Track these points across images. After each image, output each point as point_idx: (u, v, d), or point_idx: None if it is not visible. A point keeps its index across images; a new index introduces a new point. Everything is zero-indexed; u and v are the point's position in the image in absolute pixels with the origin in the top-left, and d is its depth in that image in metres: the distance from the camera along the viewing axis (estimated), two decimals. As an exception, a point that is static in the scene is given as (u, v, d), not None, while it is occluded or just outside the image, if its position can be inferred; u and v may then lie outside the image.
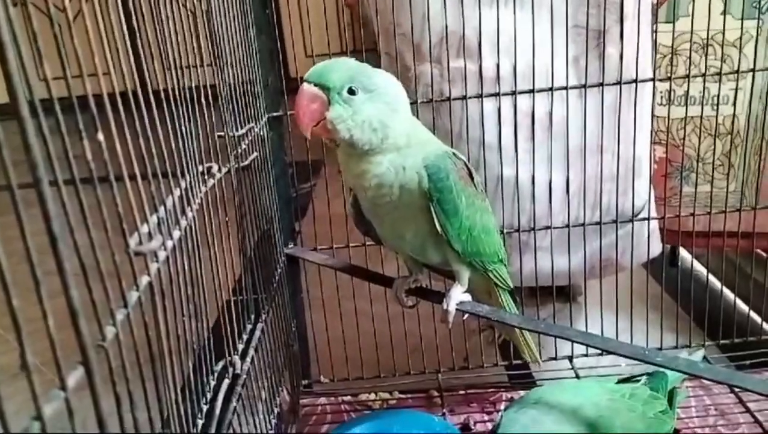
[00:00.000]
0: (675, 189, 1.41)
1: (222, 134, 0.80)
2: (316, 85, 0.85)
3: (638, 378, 1.02)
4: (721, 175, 1.40)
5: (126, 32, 0.53)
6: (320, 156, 1.12)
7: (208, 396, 0.67)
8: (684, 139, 1.31)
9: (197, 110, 0.69)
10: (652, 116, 1.25)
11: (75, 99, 0.43)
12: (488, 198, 1.07)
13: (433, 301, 1.08)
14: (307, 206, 1.85)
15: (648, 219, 1.29)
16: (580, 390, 0.97)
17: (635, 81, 1.17)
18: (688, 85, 1.22)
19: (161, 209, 0.53)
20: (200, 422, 0.63)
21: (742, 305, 1.34)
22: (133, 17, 0.56)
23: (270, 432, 0.95)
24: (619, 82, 1.18)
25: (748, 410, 1.17)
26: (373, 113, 0.86)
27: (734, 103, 1.29)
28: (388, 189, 0.91)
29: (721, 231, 1.22)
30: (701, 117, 1.32)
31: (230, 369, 0.74)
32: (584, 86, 1.17)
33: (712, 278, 1.31)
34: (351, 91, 0.85)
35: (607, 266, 1.31)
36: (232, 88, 0.89)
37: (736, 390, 1.20)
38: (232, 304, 0.80)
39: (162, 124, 0.59)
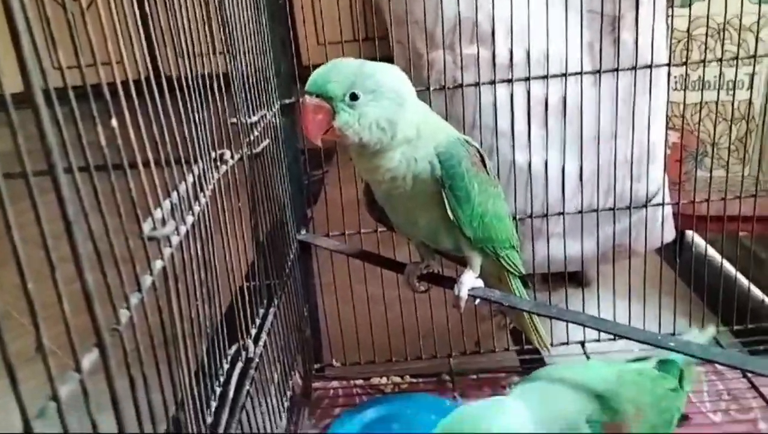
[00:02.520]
0: (689, 174, 1.40)
1: (234, 120, 0.80)
2: (317, 95, 0.85)
3: (649, 358, 1.01)
4: (736, 160, 1.39)
5: (139, 20, 0.53)
6: (332, 143, 1.13)
7: (222, 379, 0.68)
8: (699, 124, 1.30)
9: (210, 97, 0.70)
10: (667, 101, 1.24)
11: (89, 87, 0.43)
12: (501, 185, 1.07)
13: (444, 287, 1.09)
14: (319, 192, 1.86)
15: (662, 205, 1.28)
16: (588, 368, 0.97)
17: (650, 66, 1.16)
18: (704, 70, 1.21)
19: (174, 195, 0.54)
20: (214, 404, 0.64)
21: (756, 291, 1.33)
22: (146, 4, 0.56)
23: (283, 414, 0.97)
24: (634, 68, 1.17)
25: (761, 395, 1.16)
26: (379, 113, 0.86)
27: (750, 88, 1.28)
28: (401, 181, 0.92)
29: (736, 216, 1.21)
30: (717, 102, 1.31)
31: (243, 353, 0.76)
32: (599, 72, 1.16)
33: (726, 263, 1.30)
34: (353, 96, 0.85)
35: (621, 251, 1.31)
36: (245, 76, 0.89)
37: (749, 375, 1.20)
38: (245, 289, 0.81)
39: (175, 111, 0.59)
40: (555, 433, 0.84)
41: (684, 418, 0.98)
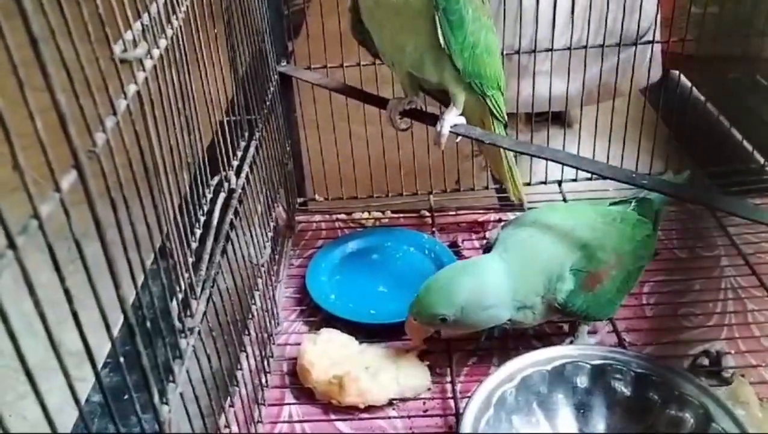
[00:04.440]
0: (683, 9, 1.35)
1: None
2: None
3: (629, 200, 1.05)
4: (733, -5, 1.34)
5: None
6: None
7: (205, 208, 0.69)
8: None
9: None
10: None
11: None
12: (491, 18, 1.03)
13: (427, 123, 1.08)
14: (300, 25, 1.78)
15: (652, 42, 1.25)
16: (574, 214, 1.00)
17: None
18: None
19: (145, 16, 0.51)
20: (198, 232, 0.65)
21: (735, 133, 1.34)
22: None
23: (267, 244, 1.00)
24: None
25: (727, 234, 1.20)
26: None
27: None
28: None
29: (725, 56, 1.19)
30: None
31: (225, 184, 0.76)
32: None
33: (709, 105, 1.29)
34: None
35: (606, 91, 1.30)
36: None
37: (718, 215, 1.23)
38: (226, 124, 0.80)
39: None
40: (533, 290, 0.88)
41: (654, 255, 1.03)
